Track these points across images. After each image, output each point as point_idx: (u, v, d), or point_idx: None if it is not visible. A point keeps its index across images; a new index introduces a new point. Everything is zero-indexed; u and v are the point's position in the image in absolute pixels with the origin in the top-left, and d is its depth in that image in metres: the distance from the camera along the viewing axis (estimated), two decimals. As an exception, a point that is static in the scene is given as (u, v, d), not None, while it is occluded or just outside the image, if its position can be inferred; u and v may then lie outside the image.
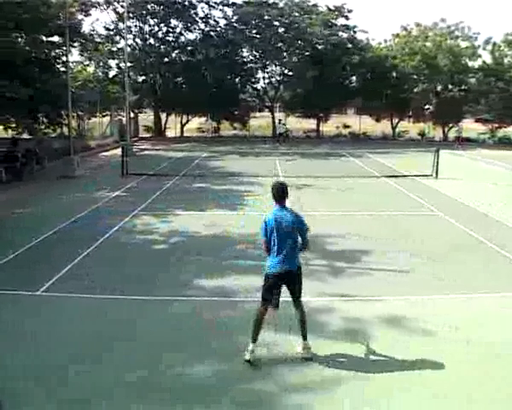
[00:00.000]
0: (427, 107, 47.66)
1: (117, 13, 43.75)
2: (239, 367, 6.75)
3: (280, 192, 7.08)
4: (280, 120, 45.60)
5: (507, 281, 9.99)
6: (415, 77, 45.69)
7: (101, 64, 44.14)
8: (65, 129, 30.45)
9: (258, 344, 7.13)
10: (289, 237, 6.93)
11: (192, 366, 6.78)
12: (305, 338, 7.08)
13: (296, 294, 7.14)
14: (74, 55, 40.10)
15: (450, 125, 46.52)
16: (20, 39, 25.54)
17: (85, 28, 37.05)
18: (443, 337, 7.50)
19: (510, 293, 9.32)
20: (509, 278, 10.16)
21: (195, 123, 50.46)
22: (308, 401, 6.01)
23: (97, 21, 66.08)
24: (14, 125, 28.82)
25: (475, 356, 6.98)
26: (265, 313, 7.08)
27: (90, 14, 36.74)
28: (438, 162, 23.47)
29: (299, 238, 7.07)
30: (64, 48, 26.93)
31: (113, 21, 44.59)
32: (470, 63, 45.97)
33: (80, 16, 32.81)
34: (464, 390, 6.18)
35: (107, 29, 44.27)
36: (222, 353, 7.13)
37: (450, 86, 46.02)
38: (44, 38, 27.45)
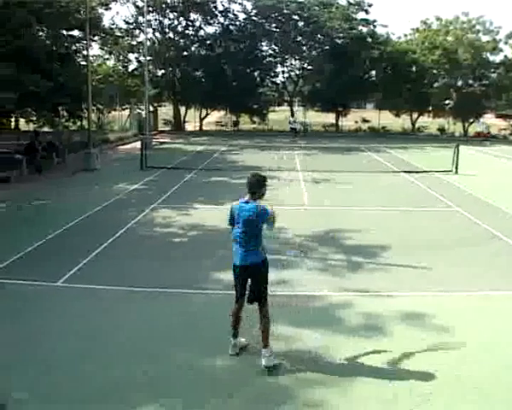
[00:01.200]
0: (447, 102, 47.21)
1: (137, 7, 43.99)
2: (255, 363, 6.73)
3: (249, 185, 6.96)
4: (293, 115, 45.71)
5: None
6: (435, 72, 45.37)
7: (120, 58, 44.37)
8: (85, 122, 30.67)
9: (276, 338, 7.15)
10: (251, 228, 6.80)
11: (208, 360, 6.80)
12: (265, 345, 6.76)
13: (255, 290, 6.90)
14: (94, 49, 40.53)
15: (471, 120, 46.08)
16: (41, 33, 25.77)
17: (105, 22, 37.30)
18: (460, 336, 7.42)
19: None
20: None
21: (214, 117, 50.53)
22: (326, 397, 5.99)
23: (117, 15, 66.62)
24: (35, 119, 29.10)
25: (493, 358, 6.90)
26: (236, 306, 6.98)
27: (111, 8, 37.07)
28: (458, 158, 23.26)
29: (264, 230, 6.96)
30: (84, 42, 27.14)
31: (132, 15, 44.90)
32: (491, 58, 45.58)
33: (100, 10, 33.05)
34: (483, 391, 6.10)
35: (127, 23, 44.55)
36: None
37: (470, 81, 45.62)
38: (65, 32, 27.70)
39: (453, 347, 7.07)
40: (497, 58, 45.59)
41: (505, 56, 45.24)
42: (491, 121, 47.37)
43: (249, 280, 6.87)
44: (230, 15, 47.02)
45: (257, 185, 6.92)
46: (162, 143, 36.81)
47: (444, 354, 6.91)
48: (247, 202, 6.88)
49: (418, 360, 6.79)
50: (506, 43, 45.15)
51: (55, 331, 7.53)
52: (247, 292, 6.90)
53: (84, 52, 28.18)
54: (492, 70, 45.64)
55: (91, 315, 8.07)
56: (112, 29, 39.20)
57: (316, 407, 5.85)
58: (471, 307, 8.55)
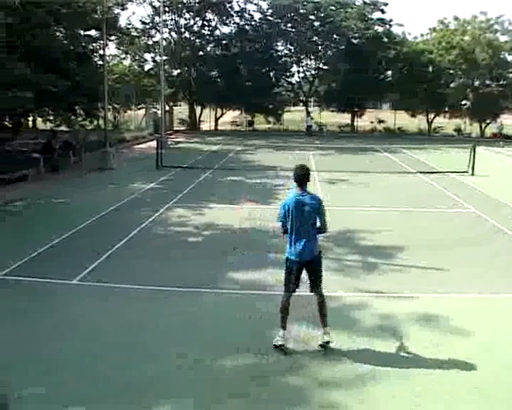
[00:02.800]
0: (463, 102, 46.81)
1: (153, 7, 44.20)
2: (271, 362, 6.75)
3: (300, 175, 7.00)
4: (308, 114, 45.87)
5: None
6: (451, 72, 45.04)
7: (136, 57, 44.64)
8: (101, 121, 30.86)
9: (290, 339, 7.16)
10: (309, 221, 6.90)
11: (224, 360, 6.80)
12: (324, 325, 7.05)
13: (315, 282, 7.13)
14: (111, 49, 40.71)
15: (488, 121, 45.70)
16: (58, 33, 25.96)
17: (122, 22, 37.50)
18: (476, 338, 7.37)
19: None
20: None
21: (230, 116, 50.59)
22: (341, 398, 5.97)
23: (134, 15, 66.90)
24: (52, 118, 29.32)
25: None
26: (287, 298, 7.13)
27: (127, 8, 37.32)
28: (474, 159, 23.07)
29: (318, 222, 7.03)
30: (101, 41, 27.33)
31: (149, 15, 45.09)
32: (510, 58, 45.09)
33: (117, 10, 33.28)
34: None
35: (144, 23, 44.75)
36: (254, 347, 7.10)
37: (488, 81, 45.23)
38: (82, 32, 27.87)
39: (469, 351, 7.00)
40: (516, 58, 45.22)
41: (524, 56, 44.86)
42: (505, 122, 46.90)
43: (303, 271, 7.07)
44: (246, 15, 47.11)
45: (307, 177, 7.00)
46: (177, 142, 36.94)
47: (459, 358, 6.83)
48: (302, 195, 6.94)
49: (434, 363, 6.75)
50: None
51: (62, 330, 7.56)
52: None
53: (101, 52, 28.39)
54: (510, 70, 45.23)
55: (105, 315, 8.11)
56: (128, 29, 39.39)
57: (330, 409, 5.83)
58: (489, 310, 8.46)
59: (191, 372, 6.50)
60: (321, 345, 6.96)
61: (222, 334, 7.52)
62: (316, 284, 7.11)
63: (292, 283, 7.07)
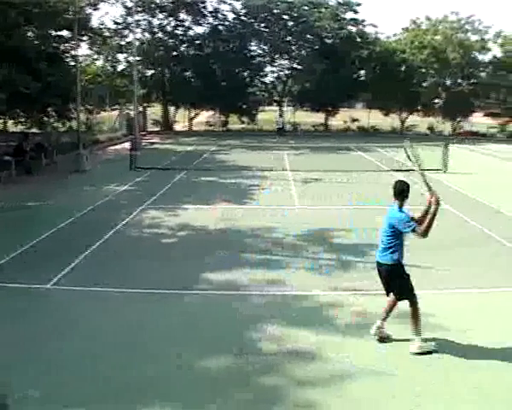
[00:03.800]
0: (436, 101, 47.39)
1: (126, 7, 43.70)
2: (248, 362, 6.75)
3: (398, 190, 7.26)
4: (281, 115, 46.15)
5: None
6: (424, 71, 45.47)
7: (109, 58, 44.15)
8: (74, 123, 30.51)
9: (267, 339, 7.17)
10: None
11: (201, 360, 6.78)
12: (417, 334, 7.05)
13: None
14: (83, 49, 40.16)
15: (459, 119, 46.38)
16: (29, 34, 25.61)
17: (94, 22, 37.06)
18: (454, 334, 7.44)
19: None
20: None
21: (204, 117, 50.44)
22: (317, 397, 5.99)
23: (106, 15, 66.13)
24: (23, 120, 28.91)
25: (493, 358, 6.90)
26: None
27: (99, 8, 36.83)
28: (447, 156, 23.35)
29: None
30: (73, 42, 27.01)
31: (121, 15, 44.60)
32: (480, 57, 45.75)
33: (89, 10, 32.87)
34: (483, 391, 6.09)
35: (116, 23, 44.22)
36: (231, 347, 7.11)
37: (459, 80, 45.83)
38: (53, 33, 27.52)
39: (447, 347, 7.06)
40: (486, 57, 45.90)
41: (494, 56, 45.50)
42: (480, 120, 47.62)
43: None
44: (220, 15, 46.90)
45: (405, 190, 7.31)
46: (152, 143, 36.73)
47: (436, 354, 6.91)
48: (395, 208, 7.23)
49: (410, 359, 6.81)
50: (495, 42, 45.46)
51: (43, 334, 7.47)
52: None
53: (73, 52, 28.06)
54: (481, 69, 45.90)
55: (81, 318, 8.01)
56: (100, 29, 38.95)
57: (309, 408, 5.84)
58: (466, 305, 8.56)
59: (173, 375, 6.47)
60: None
61: (199, 335, 7.49)
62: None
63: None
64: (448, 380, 6.28)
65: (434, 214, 6.79)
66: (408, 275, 7.14)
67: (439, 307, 8.30)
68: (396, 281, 7.16)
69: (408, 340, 7.04)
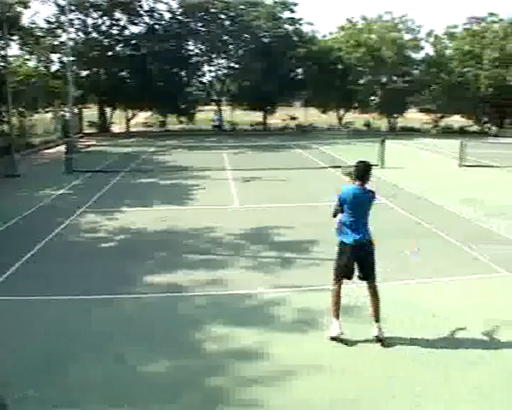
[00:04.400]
0: (372, 98, 48.42)
1: (58, 5, 42.58)
2: (192, 364, 6.67)
3: (361, 171, 7.33)
4: (216, 111, 46.58)
5: (456, 265, 10.24)
6: (360, 69, 46.32)
7: (42, 58, 42.84)
8: (5, 126, 29.48)
9: (210, 339, 7.10)
10: (364, 213, 7.27)
11: (144, 364, 6.66)
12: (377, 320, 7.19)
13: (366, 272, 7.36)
14: (14, 50, 38.93)
15: (395, 115, 47.56)
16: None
17: (25, 21, 35.94)
18: (396, 324, 7.56)
19: (457, 277, 9.59)
20: (458, 263, 10.41)
21: (141, 117, 49.81)
22: (263, 395, 5.97)
23: (38, 14, 64.18)
24: None
25: (429, 348, 7.06)
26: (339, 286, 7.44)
27: (30, 7, 35.64)
28: (384, 152, 23.86)
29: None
30: (2, 42, 26.08)
31: (54, 14, 43.39)
32: (414, 55, 47.07)
33: (19, 8, 31.77)
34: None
35: (49, 22, 43.00)
36: (176, 349, 7.03)
37: (394, 78, 46.96)
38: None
39: (392, 337, 7.16)
40: (419, 55, 47.25)
41: (426, 54, 46.95)
42: (415, 116, 49.01)
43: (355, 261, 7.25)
44: (156, 15, 46.32)
45: (369, 171, 7.37)
46: (88, 145, 35.98)
47: (380, 346, 6.98)
48: (359, 188, 7.27)
49: (353, 352, 6.85)
50: (427, 41, 46.85)
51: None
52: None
53: (2, 52, 27.09)
54: (415, 67, 47.18)
55: (19, 327, 7.71)
56: (32, 28, 37.82)
57: (255, 407, 5.81)
58: (407, 295, 8.71)
59: (116, 379, 6.32)
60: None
61: (142, 339, 7.36)
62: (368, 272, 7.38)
63: (345, 269, 7.32)
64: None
65: None
66: None
67: (389, 296, 8.37)
68: (373, 257, 7.31)
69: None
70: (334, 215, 7.43)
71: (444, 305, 8.36)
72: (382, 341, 7.06)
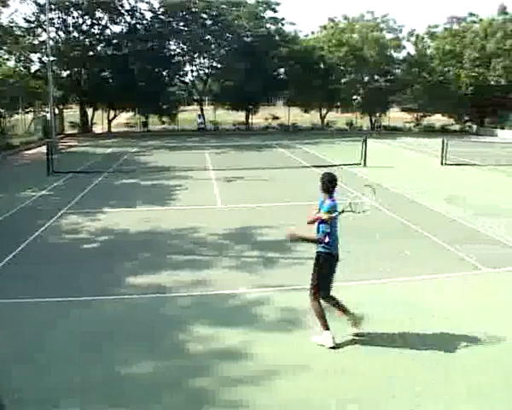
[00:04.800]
0: (354, 97, 48.68)
1: (38, 4, 42.22)
2: (177, 365, 6.65)
3: (333, 184, 7.23)
4: (200, 113, 46.54)
5: (437, 263, 10.28)
6: (342, 68, 46.58)
7: (22, 58, 42.40)
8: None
9: (195, 340, 7.07)
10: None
11: (128, 365, 6.61)
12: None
13: None
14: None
15: (378, 114, 47.87)
16: None
17: (3, 20, 35.57)
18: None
19: (442, 274, 9.66)
20: (439, 261, 10.46)
21: (123, 118, 49.56)
22: (248, 395, 5.95)
23: (17, 13, 63.63)
24: None
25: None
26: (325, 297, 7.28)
27: (9, 6, 35.31)
28: (366, 151, 23.96)
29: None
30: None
31: (34, 13, 42.98)
32: (395, 54, 47.59)
33: (-3, 7, 31.46)
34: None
35: (28, 21, 42.59)
36: (161, 351, 6.99)
37: (376, 77, 47.28)
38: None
39: (373, 335, 7.17)
40: (401, 55, 47.70)
41: (408, 53, 47.41)
42: (397, 115, 49.37)
43: None
44: (137, 14, 46.17)
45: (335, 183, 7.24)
46: (69, 146, 35.70)
47: (362, 345, 6.99)
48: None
49: (336, 351, 6.86)
50: (408, 40, 47.27)
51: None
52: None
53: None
54: (396, 66, 47.52)
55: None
56: (11, 27, 37.41)
57: (240, 407, 5.80)
58: (389, 294, 8.71)
59: (100, 381, 6.28)
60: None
61: (125, 340, 7.30)
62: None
63: (331, 279, 7.20)
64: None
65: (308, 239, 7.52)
66: None
67: (373, 295, 8.43)
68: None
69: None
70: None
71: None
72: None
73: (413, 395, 5.98)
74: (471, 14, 46.34)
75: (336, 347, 6.93)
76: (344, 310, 7.19)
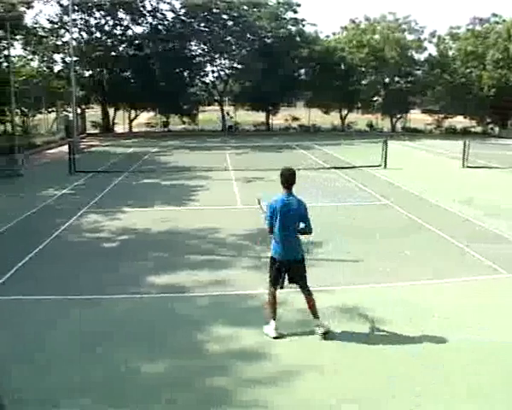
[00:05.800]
0: (375, 98, 48.41)
1: (61, 5, 42.65)
2: (195, 364, 6.66)
3: (288, 179, 7.30)
4: (228, 113, 46.16)
5: (456, 267, 10.17)
6: (363, 69, 46.35)
7: (45, 58, 42.91)
8: (9, 126, 29.53)
9: (212, 339, 7.09)
10: (293, 223, 7.18)
11: (145, 364, 6.65)
12: (315, 317, 7.32)
13: (298, 282, 7.42)
14: (17, 49, 39.00)
15: (398, 116, 47.57)
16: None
17: (28, 21, 36.02)
18: (398, 327, 7.53)
19: (461, 278, 9.56)
20: (458, 265, 10.35)
21: (144, 118, 49.84)
22: (266, 395, 5.95)
23: (41, 14, 64.23)
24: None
25: (429, 347, 7.04)
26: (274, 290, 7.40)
27: (33, 7, 35.77)
28: (386, 153, 23.83)
29: (301, 224, 7.28)
30: (5, 42, 26.12)
31: (57, 14, 43.46)
32: (417, 56, 47.15)
33: (22, 8, 31.84)
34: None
35: (52, 22, 43.06)
36: (177, 350, 7.02)
37: (397, 78, 46.95)
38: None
39: (391, 340, 7.15)
40: (422, 56, 47.33)
41: (429, 54, 47.00)
42: (418, 117, 49.02)
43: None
44: (159, 15, 46.39)
45: (294, 178, 7.34)
46: (91, 146, 36.00)
47: (382, 348, 6.98)
48: (288, 197, 7.23)
49: (356, 354, 6.84)
50: (430, 41, 46.87)
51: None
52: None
53: (6, 52, 27.13)
54: (417, 67, 47.17)
55: (20, 328, 7.70)
56: (35, 28, 37.86)
57: (256, 407, 5.81)
58: (408, 298, 8.64)
59: (117, 379, 6.32)
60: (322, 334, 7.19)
61: (143, 338, 7.35)
62: (301, 284, 7.41)
63: (278, 279, 7.30)
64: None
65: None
66: None
67: (391, 298, 8.40)
68: (304, 270, 7.40)
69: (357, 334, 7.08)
70: (271, 230, 7.34)
71: (444, 305, 8.34)
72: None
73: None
74: (494, 15, 45.87)
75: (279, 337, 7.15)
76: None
